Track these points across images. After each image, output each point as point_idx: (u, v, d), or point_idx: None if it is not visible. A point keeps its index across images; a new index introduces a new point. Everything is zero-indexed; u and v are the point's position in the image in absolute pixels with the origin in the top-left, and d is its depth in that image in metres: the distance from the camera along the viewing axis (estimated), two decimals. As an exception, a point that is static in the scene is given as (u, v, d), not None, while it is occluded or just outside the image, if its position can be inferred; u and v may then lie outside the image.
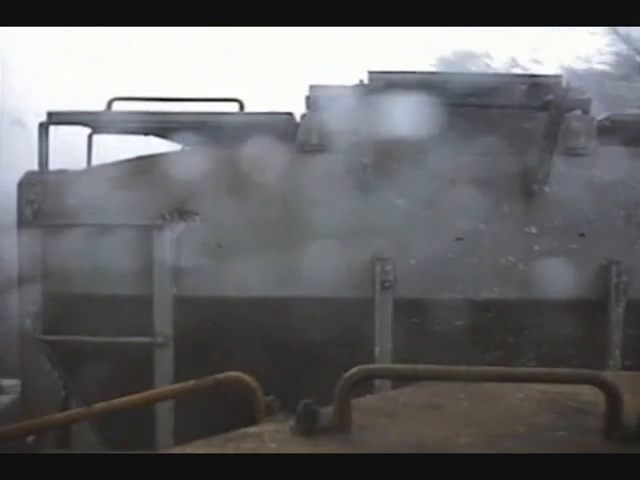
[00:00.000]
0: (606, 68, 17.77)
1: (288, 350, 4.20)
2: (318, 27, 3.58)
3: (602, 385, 1.86)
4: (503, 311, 4.26)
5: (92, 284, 4.32)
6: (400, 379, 2.38)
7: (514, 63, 19.23)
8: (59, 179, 4.46)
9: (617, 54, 18.20)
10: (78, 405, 4.22)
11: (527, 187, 4.27)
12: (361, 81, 4.31)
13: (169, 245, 4.27)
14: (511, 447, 1.85)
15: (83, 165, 5.03)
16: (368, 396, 2.29)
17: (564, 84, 4.42)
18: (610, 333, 4.23)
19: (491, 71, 17.75)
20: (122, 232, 4.26)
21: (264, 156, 4.28)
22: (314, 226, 4.21)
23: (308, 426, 1.86)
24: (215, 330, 4.27)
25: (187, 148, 4.93)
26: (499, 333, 4.29)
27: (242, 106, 5.34)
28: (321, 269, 4.09)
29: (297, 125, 4.41)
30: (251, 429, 2.00)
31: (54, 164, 4.55)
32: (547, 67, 17.26)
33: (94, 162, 5.10)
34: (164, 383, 4.03)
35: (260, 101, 5.57)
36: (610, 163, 4.26)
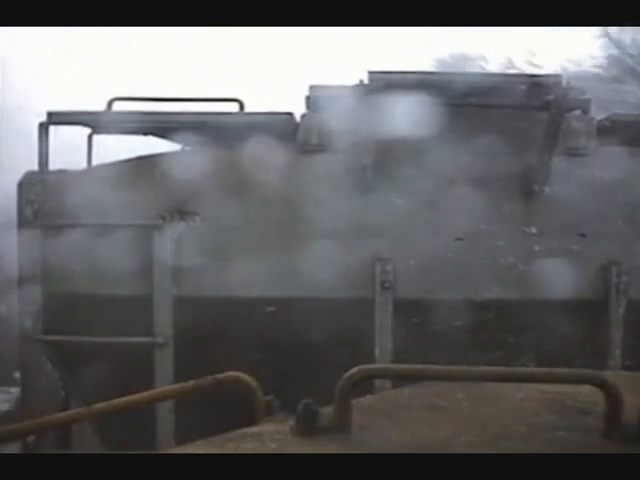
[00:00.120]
0: (598, 71, 17.99)
1: (288, 350, 4.20)
2: (318, 27, 3.58)
3: (602, 385, 1.86)
4: (503, 311, 4.26)
5: (92, 284, 4.32)
6: (400, 379, 2.38)
7: (510, 65, 19.36)
8: (59, 179, 4.46)
9: (609, 57, 18.50)
10: (78, 405, 4.22)
11: (527, 187, 4.27)
12: (361, 81, 4.31)
13: (169, 245, 4.27)
14: (511, 447, 1.85)
15: (83, 165, 5.03)
16: (368, 396, 2.29)
17: (564, 84, 4.42)
18: (610, 333, 4.23)
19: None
20: (122, 232, 4.27)
21: (264, 156, 4.27)
22: (314, 226, 4.21)
23: (308, 426, 1.86)
24: (215, 330, 4.27)
25: (187, 148, 4.93)
26: (499, 333, 4.29)
27: (242, 106, 5.34)
28: (321, 269, 4.09)
29: (297, 125, 4.41)
30: (251, 429, 2.00)
31: (54, 164, 4.55)
32: (540, 70, 17.38)
33: (94, 162, 5.10)
34: (164, 383, 4.03)
35: (260, 101, 5.58)
36: (610, 163, 4.26)
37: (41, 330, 4.39)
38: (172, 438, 4.21)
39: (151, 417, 4.23)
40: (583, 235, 4.28)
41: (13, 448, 3.74)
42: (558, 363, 2.27)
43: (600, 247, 4.27)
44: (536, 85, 4.38)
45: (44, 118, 4.53)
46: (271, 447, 1.83)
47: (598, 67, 18.29)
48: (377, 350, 4.21)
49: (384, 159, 4.27)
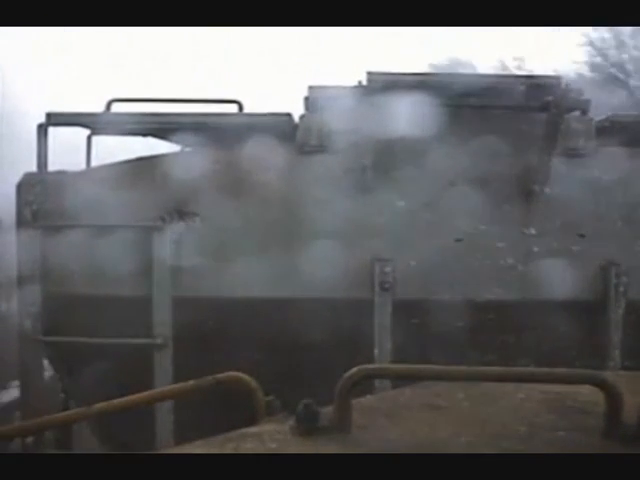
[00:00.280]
0: (580, 73, 19.11)
1: (288, 350, 4.20)
2: (318, 27, 3.58)
3: (602, 385, 1.86)
4: (503, 312, 4.26)
5: (92, 285, 4.32)
6: (400, 379, 2.38)
7: (504, 68, 19.76)
8: (58, 180, 4.46)
9: (591, 64, 20.50)
10: (78, 406, 4.22)
11: (527, 188, 4.27)
12: (360, 82, 4.32)
13: (169, 246, 4.27)
14: (511, 447, 1.85)
15: (82, 166, 5.03)
16: (368, 396, 2.29)
17: (563, 85, 4.42)
18: (610, 334, 4.23)
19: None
20: (122, 233, 4.26)
21: (263, 157, 4.28)
22: (313, 227, 4.21)
23: (308, 426, 1.86)
24: (215, 330, 4.26)
25: (186, 149, 4.93)
26: (499, 334, 4.29)
27: (241, 107, 5.34)
28: (321, 270, 4.09)
29: (296, 126, 4.41)
30: (251, 429, 2.00)
31: (53, 165, 4.55)
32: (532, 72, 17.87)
33: (93, 163, 5.10)
34: (163, 383, 4.02)
35: (259, 102, 5.58)
36: (609, 164, 4.26)
37: (41, 331, 4.39)
38: (171, 438, 4.20)
39: (151, 417, 4.23)
40: (582, 236, 4.28)
41: (13, 448, 3.74)
42: (558, 363, 2.26)
43: (599, 248, 4.27)
44: (535, 86, 4.39)
45: (43, 119, 4.53)
46: (271, 447, 1.83)
47: (580, 73, 19.72)
48: (376, 351, 4.20)
49: (383, 160, 4.27)
